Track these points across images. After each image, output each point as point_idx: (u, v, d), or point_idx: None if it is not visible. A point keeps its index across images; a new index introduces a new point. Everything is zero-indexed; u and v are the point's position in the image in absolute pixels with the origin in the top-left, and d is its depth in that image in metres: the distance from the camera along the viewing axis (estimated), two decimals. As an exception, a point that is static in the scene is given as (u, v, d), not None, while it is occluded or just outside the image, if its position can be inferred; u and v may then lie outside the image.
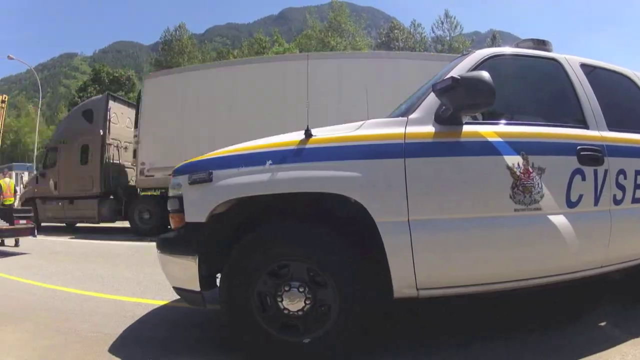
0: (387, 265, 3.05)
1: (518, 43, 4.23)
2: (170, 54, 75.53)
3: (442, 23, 67.91)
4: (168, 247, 3.74)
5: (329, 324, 3.15)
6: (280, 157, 3.23)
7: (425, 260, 3.06)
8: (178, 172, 3.71)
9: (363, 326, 3.19)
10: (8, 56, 39.45)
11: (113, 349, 3.87)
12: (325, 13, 73.00)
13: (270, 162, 3.21)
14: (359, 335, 3.19)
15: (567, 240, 3.29)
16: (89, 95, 73.69)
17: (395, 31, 68.72)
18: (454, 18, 68.14)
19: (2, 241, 12.21)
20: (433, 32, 68.89)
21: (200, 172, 3.44)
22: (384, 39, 70.47)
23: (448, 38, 66.72)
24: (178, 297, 4.04)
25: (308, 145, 3.25)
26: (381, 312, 3.58)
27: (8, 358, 3.77)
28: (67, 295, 6.27)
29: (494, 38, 72.21)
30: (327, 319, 3.16)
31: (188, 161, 3.77)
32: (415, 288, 3.10)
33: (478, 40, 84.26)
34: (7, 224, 11.33)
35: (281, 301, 3.18)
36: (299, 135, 3.35)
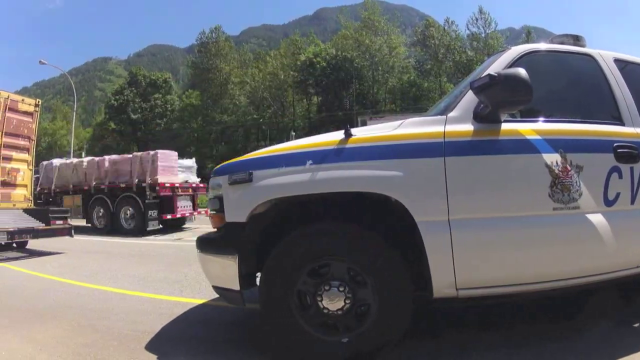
0: (426, 265, 3.09)
1: (552, 38, 4.21)
2: (207, 56, 77.40)
3: (477, 20, 67.13)
4: (208, 246, 3.82)
5: (368, 324, 3.19)
6: (321, 156, 3.29)
7: (465, 259, 3.09)
8: (218, 172, 3.80)
9: (402, 327, 3.23)
10: (40, 61, 40.46)
11: (149, 347, 3.97)
12: (359, 12, 73.31)
13: (310, 162, 3.28)
14: (398, 335, 3.23)
15: (604, 239, 3.29)
16: (125, 97, 76.68)
17: (431, 29, 68.37)
18: (488, 14, 67.30)
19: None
20: (468, 29, 68.32)
21: (241, 173, 3.52)
22: (419, 37, 70.56)
23: (483, 35, 65.98)
24: (217, 295, 4.15)
25: (348, 145, 3.30)
26: (420, 312, 3.59)
27: (41, 355, 3.90)
28: (105, 294, 6.40)
29: (529, 34, 71.21)
30: (366, 318, 3.21)
31: (228, 162, 3.88)
32: (455, 288, 3.12)
33: (512, 36, 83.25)
34: (43, 225, 11.66)
35: (321, 300, 3.23)
36: (339, 135, 3.41)
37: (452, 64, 65.38)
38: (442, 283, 3.11)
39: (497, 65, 3.52)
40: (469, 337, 3.88)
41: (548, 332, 3.88)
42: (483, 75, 3.16)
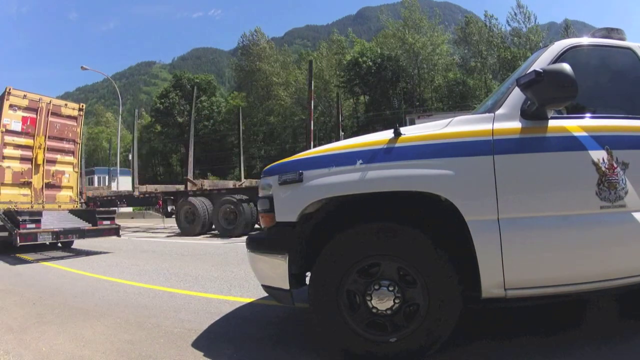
0: (475, 265, 3.12)
1: (593, 32, 4.19)
2: (249, 58, 79.89)
3: (516, 15, 66.97)
4: (258, 246, 3.93)
5: (417, 324, 3.24)
6: (370, 156, 3.37)
7: (514, 259, 3.10)
8: (268, 172, 3.92)
9: (450, 327, 3.24)
10: (81, 67, 42.01)
11: (196, 345, 4.04)
12: (401, 10, 72.83)
13: (360, 161, 3.36)
14: (445, 335, 3.25)
15: None
16: (170, 101, 79.20)
17: (471, 25, 68.44)
18: (527, 8, 66.73)
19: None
20: (508, 24, 68.29)
21: (291, 173, 3.63)
22: (461, 34, 70.52)
23: (524, 30, 65.75)
24: (265, 294, 4.27)
25: (398, 144, 3.37)
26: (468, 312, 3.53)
27: (84, 351, 4.00)
28: (153, 292, 6.52)
29: (568, 28, 69.98)
30: (414, 318, 3.26)
31: (278, 162, 3.99)
32: (504, 288, 3.14)
33: (554, 30, 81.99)
34: (90, 225, 12.09)
35: (370, 300, 3.29)
36: (388, 134, 3.47)
37: (495, 60, 65.41)
38: (491, 283, 3.14)
39: (541, 61, 3.53)
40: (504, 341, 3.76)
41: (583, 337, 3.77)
42: (528, 71, 3.18)
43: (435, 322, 3.20)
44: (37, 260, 10.69)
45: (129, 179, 44.78)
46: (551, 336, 3.74)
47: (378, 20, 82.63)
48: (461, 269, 3.27)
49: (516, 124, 3.27)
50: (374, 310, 3.27)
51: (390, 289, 3.25)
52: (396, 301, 3.25)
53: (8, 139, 12.14)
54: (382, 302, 3.24)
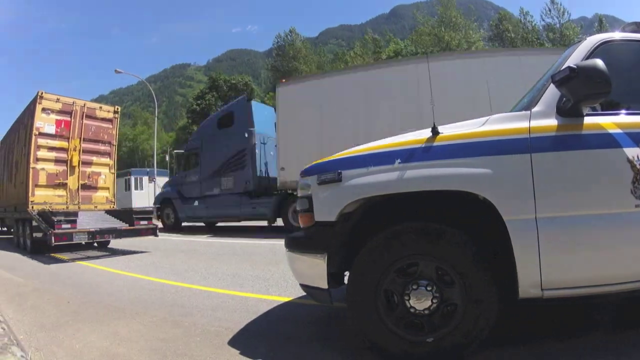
0: (512, 265, 3.13)
1: (623, 27, 4.15)
2: (285, 59, 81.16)
3: (550, 10, 67.07)
4: (297, 245, 3.98)
5: (454, 324, 3.25)
6: (409, 155, 3.42)
7: (551, 259, 3.10)
8: (307, 172, 3.99)
9: (487, 327, 3.25)
10: (115, 70, 42.61)
11: (233, 343, 4.10)
12: (435, 8, 74.80)
13: (399, 160, 3.41)
14: (482, 336, 3.25)
15: None
16: (207, 102, 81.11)
17: (505, 22, 69.35)
18: (560, 4, 66.81)
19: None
20: (542, 20, 68.56)
21: (329, 173, 3.70)
22: (495, 30, 71.43)
23: (558, 25, 65.90)
24: (303, 294, 4.36)
25: (436, 143, 3.40)
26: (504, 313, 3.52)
27: (119, 349, 4.06)
28: (190, 291, 6.56)
29: (601, 22, 70.45)
30: (452, 318, 3.27)
31: (316, 162, 4.04)
32: (540, 288, 3.14)
33: (586, 25, 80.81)
34: (127, 225, 12.38)
35: (408, 300, 3.32)
36: (426, 133, 3.50)
37: None
38: (528, 283, 3.13)
39: (575, 57, 3.52)
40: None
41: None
42: (563, 68, 3.18)
43: (473, 322, 3.21)
44: (73, 260, 10.93)
45: (166, 179, 45.61)
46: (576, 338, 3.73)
47: (412, 19, 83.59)
48: (497, 269, 3.29)
49: (552, 122, 3.27)
50: (412, 310, 3.30)
51: (429, 288, 3.28)
52: (434, 301, 3.27)
53: (41, 141, 12.54)
54: (420, 301, 3.27)
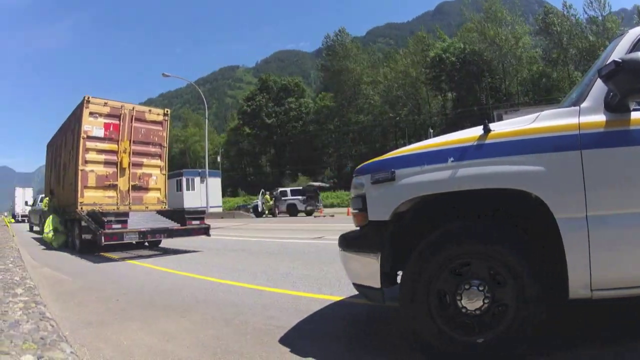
0: (563, 265, 3.11)
1: None
2: (335, 58, 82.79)
3: (591, 2, 66.28)
4: (351, 244, 4.02)
5: (504, 325, 3.25)
6: (461, 153, 3.43)
7: (601, 258, 3.07)
8: (360, 172, 4.03)
9: (537, 328, 3.24)
10: (163, 74, 43.96)
11: (283, 341, 4.11)
12: (481, 4, 74.40)
13: (452, 159, 3.43)
14: (532, 337, 3.24)
15: None
16: (257, 103, 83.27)
17: (550, 16, 68.63)
18: None
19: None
20: (585, 12, 67.72)
21: (383, 172, 3.73)
22: (540, 24, 70.93)
23: (600, 18, 65.14)
24: (355, 293, 4.38)
25: (488, 141, 3.41)
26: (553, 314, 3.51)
27: (168, 346, 4.12)
28: (242, 289, 6.60)
29: None
30: (502, 319, 3.27)
31: (370, 161, 4.07)
32: (590, 289, 3.12)
33: (626, 17, 79.61)
34: (178, 225, 12.64)
35: (460, 300, 3.33)
36: (478, 130, 3.53)
37: (576, 51, 65.37)
38: (579, 283, 3.12)
39: (619, 51, 3.46)
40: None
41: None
42: (608, 61, 3.13)
43: (523, 323, 3.20)
44: (123, 259, 11.21)
45: (218, 180, 46.17)
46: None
47: (457, 15, 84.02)
48: (548, 269, 3.27)
49: (601, 117, 3.22)
50: (463, 310, 3.31)
51: (480, 288, 3.28)
52: (485, 301, 3.27)
53: (90, 144, 12.98)
54: (472, 302, 3.28)
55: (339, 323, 4.69)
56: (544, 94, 62.27)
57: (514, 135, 3.36)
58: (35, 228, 26.09)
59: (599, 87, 3.33)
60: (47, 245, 15.22)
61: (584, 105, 3.34)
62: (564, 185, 3.14)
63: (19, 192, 56.87)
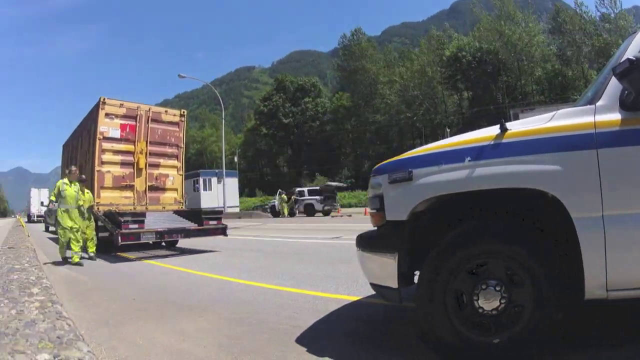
0: (579, 265, 3.10)
1: None
2: (351, 58, 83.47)
3: (603, 0, 65.71)
4: (368, 244, 4.03)
5: (521, 325, 3.26)
6: (478, 153, 3.44)
7: (617, 258, 3.05)
8: (378, 171, 4.04)
9: (553, 329, 3.23)
10: (179, 75, 44.31)
11: (300, 341, 4.13)
12: (494, 2, 74.01)
13: (469, 158, 3.44)
14: (547, 337, 3.24)
15: None
16: (274, 103, 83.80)
17: (562, 13, 68.99)
18: None
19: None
20: (597, 10, 67.35)
21: (400, 171, 3.74)
22: (554, 23, 71.11)
23: (613, 15, 64.69)
24: (372, 293, 4.31)
25: (504, 140, 3.41)
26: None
27: (184, 345, 4.15)
28: (258, 289, 6.61)
29: None
30: (518, 319, 3.28)
31: (387, 161, 4.09)
32: (605, 289, 3.11)
33: (638, 14, 79.29)
34: (195, 225, 12.68)
35: (477, 300, 3.34)
36: (495, 129, 3.53)
37: (590, 48, 65.09)
38: (595, 283, 3.10)
39: (633, 48, 3.42)
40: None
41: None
42: (622, 60, 3.11)
43: (540, 324, 3.20)
44: (139, 259, 11.29)
45: (235, 180, 46.32)
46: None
47: (472, 14, 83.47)
48: (564, 269, 3.26)
49: (616, 116, 3.20)
50: (480, 311, 3.31)
51: (497, 288, 3.28)
52: (502, 302, 3.28)
53: (106, 145, 13.05)
54: (489, 302, 3.28)
55: (356, 323, 4.68)
56: (560, 93, 62.30)
57: (531, 134, 3.36)
58: (51, 228, 26.40)
59: (613, 86, 3.32)
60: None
61: (599, 103, 3.34)
62: (580, 184, 3.13)
63: (34, 192, 57.70)
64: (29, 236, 20.11)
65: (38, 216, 49.67)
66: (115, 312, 5.38)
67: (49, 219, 28.30)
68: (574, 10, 68.16)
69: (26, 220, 55.44)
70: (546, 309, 3.18)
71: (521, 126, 3.50)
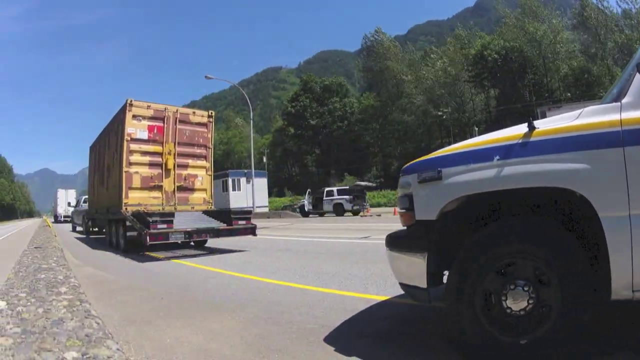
0: (606, 265, 3.07)
1: None
2: (375, 58, 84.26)
3: None
4: (398, 244, 4.04)
5: (548, 326, 3.24)
6: (507, 151, 3.44)
7: None
8: (407, 171, 4.05)
9: (580, 330, 3.21)
10: (206, 76, 44.81)
11: (328, 340, 4.14)
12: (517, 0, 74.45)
13: (497, 157, 3.44)
14: (574, 338, 3.21)
15: None
16: (301, 104, 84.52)
17: (587, 9, 67.63)
18: None
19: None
20: (619, 6, 66.77)
21: (429, 171, 3.75)
22: (578, 19, 70.34)
23: (634, 11, 64.02)
24: (401, 293, 4.37)
25: (533, 138, 3.40)
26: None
27: (211, 344, 4.15)
28: (287, 289, 6.62)
29: None
30: (546, 320, 3.26)
31: (416, 160, 4.10)
32: (632, 290, 3.09)
33: None
34: (224, 225, 12.76)
35: (505, 300, 3.33)
36: (523, 128, 3.52)
37: (614, 45, 64.52)
38: (621, 284, 3.08)
39: None
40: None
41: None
42: None
43: (567, 324, 3.18)
44: (168, 258, 11.39)
45: (264, 180, 46.52)
46: None
47: (497, 11, 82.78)
48: (592, 269, 3.26)
49: None
50: (508, 311, 3.31)
51: (526, 289, 3.27)
52: (530, 302, 3.26)
53: (134, 146, 13.23)
54: (517, 302, 3.27)
55: (385, 323, 4.66)
56: (586, 90, 61.75)
57: (558, 132, 3.34)
58: (79, 228, 26.93)
59: (638, 82, 3.29)
60: (91, 245, 15.67)
61: (624, 101, 3.30)
62: (608, 183, 3.10)
63: (60, 193, 58.81)
64: (56, 236, 20.43)
65: (65, 216, 50.50)
66: (143, 311, 5.41)
67: (76, 219, 28.86)
68: (596, 6, 67.57)
69: (52, 220, 56.48)
70: (573, 309, 3.17)
71: (549, 124, 3.49)
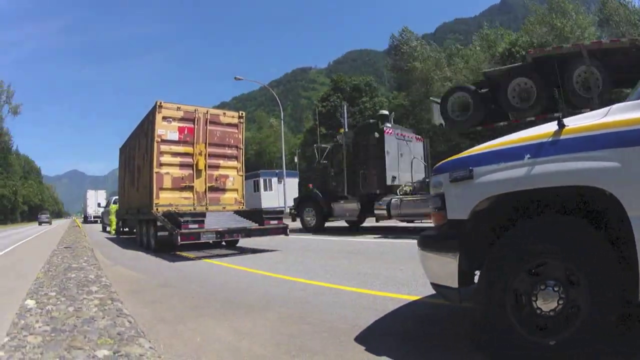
0: (635, 265, 3.01)
1: None
2: (403, 57, 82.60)
3: None
4: (430, 244, 4.04)
5: (577, 326, 3.22)
6: (537, 150, 3.41)
7: None
8: (439, 170, 4.06)
9: (608, 331, 3.18)
10: (235, 77, 45.44)
11: (359, 340, 4.13)
12: None
13: (528, 155, 3.42)
14: (603, 340, 3.18)
15: None
16: (332, 104, 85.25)
17: (609, 4, 66.31)
18: None
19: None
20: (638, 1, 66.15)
21: (461, 170, 3.75)
22: (603, 14, 68.86)
23: None
24: (432, 293, 4.35)
25: (562, 137, 3.37)
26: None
27: (242, 343, 4.18)
28: (318, 288, 6.60)
29: None
30: (575, 320, 3.24)
31: (448, 159, 4.09)
32: None
33: None
34: (256, 225, 12.81)
35: (535, 300, 3.30)
36: (553, 126, 3.49)
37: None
38: None
39: None
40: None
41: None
42: None
43: (594, 325, 3.15)
44: (199, 258, 11.46)
45: (295, 180, 46.59)
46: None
47: (523, 8, 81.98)
48: (620, 270, 3.20)
49: None
50: (538, 311, 3.29)
51: (556, 289, 3.25)
52: (560, 302, 3.23)
53: (164, 147, 13.38)
54: (547, 303, 3.25)
55: (416, 323, 4.67)
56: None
57: (588, 130, 3.30)
58: (108, 228, 27.33)
59: None
60: (121, 245, 15.95)
61: None
62: (637, 181, 3.04)
63: (90, 194, 59.96)
64: (85, 236, 20.73)
65: (95, 217, 51.46)
66: (174, 310, 5.47)
67: (107, 219, 29.38)
68: (619, 2, 66.73)
69: (82, 221, 57.33)
70: (602, 311, 3.13)
71: (578, 122, 3.46)
